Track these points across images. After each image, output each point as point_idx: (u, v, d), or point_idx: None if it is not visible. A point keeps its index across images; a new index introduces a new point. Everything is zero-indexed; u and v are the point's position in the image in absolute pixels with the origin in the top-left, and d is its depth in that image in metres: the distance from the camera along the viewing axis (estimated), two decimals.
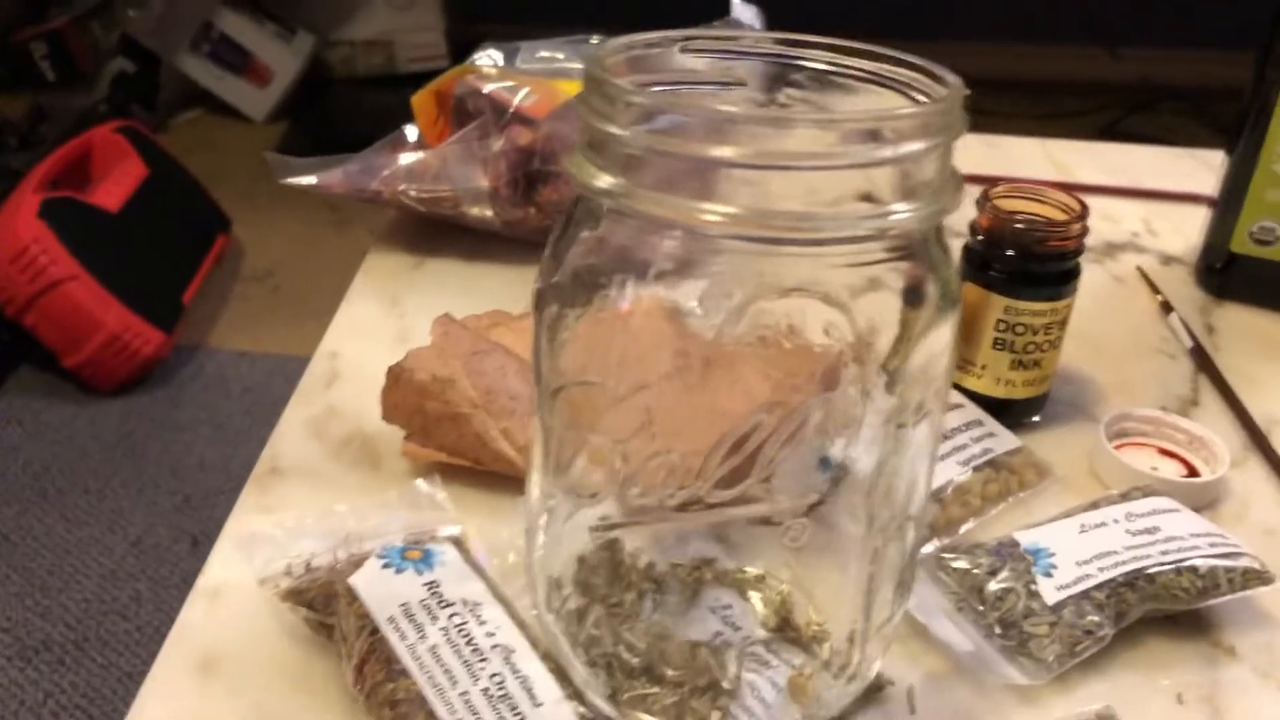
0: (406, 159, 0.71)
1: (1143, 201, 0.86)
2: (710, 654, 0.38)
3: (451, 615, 0.42)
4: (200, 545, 1.45)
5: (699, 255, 0.36)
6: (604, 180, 0.34)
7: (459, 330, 0.56)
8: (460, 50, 2.73)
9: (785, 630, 0.42)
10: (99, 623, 1.33)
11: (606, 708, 0.40)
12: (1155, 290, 0.73)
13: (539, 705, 0.39)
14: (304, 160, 0.72)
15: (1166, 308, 0.71)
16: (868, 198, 0.34)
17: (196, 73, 2.61)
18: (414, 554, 0.45)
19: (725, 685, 0.38)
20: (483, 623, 0.42)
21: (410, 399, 0.54)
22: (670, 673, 0.38)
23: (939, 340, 0.36)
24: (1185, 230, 0.80)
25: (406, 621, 0.42)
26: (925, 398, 0.36)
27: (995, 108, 2.33)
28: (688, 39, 0.39)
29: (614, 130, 0.34)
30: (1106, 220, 0.83)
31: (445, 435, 0.54)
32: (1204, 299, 0.74)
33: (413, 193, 0.71)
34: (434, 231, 0.75)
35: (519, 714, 0.39)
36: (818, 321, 0.36)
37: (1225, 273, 0.73)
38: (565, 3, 2.60)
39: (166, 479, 1.56)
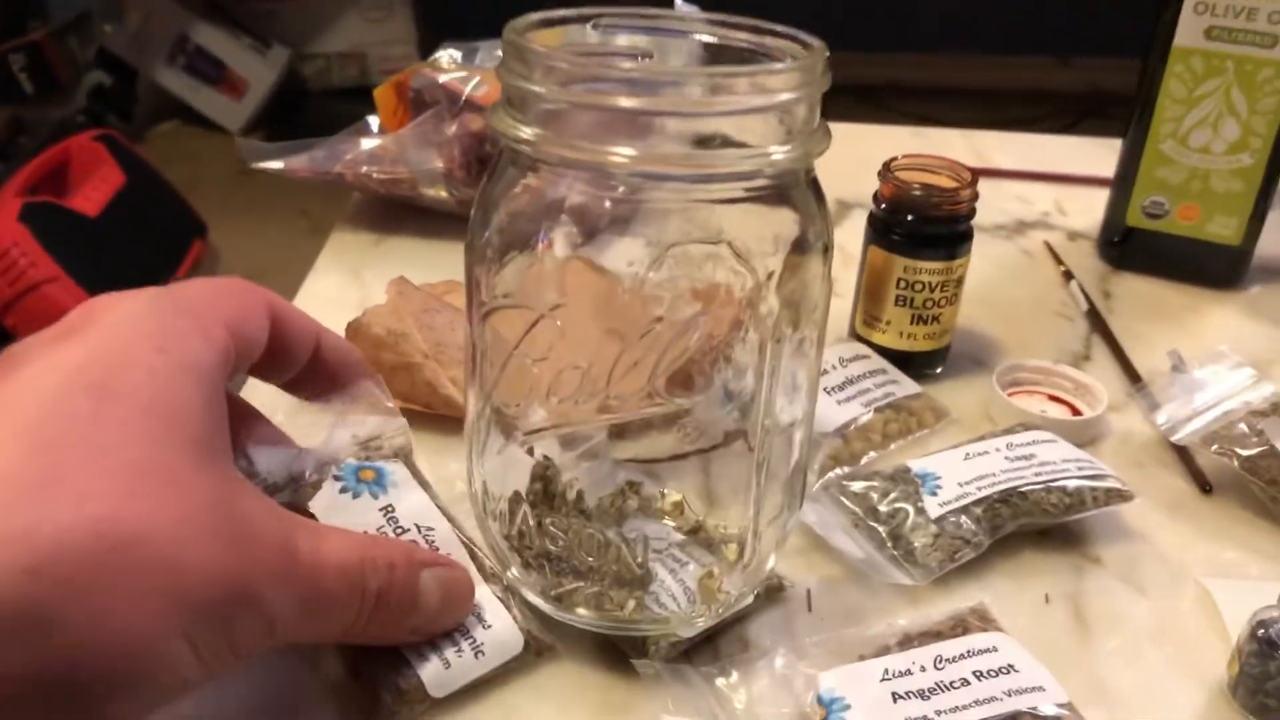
0: (368, 144, 0.77)
1: (1056, 185, 0.93)
2: (621, 541, 0.44)
3: (407, 539, 0.47)
4: None
5: (618, 210, 0.41)
6: (524, 132, 0.40)
7: (412, 290, 0.62)
8: None
9: (698, 534, 0.48)
10: None
11: (544, 604, 0.45)
12: (1059, 261, 0.80)
13: (488, 628, 0.44)
14: (271, 145, 0.78)
15: (1068, 276, 0.78)
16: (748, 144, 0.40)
17: (173, 85, 2.66)
18: (368, 474, 0.50)
19: (637, 571, 0.43)
20: (436, 548, 0.47)
21: (367, 351, 0.59)
22: (588, 560, 0.44)
23: (811, 270, 0.42)
24: (1093, 210, 0.87)
25: None
26: (800, 317, 0.42)
27: (946, 116, 2.40)
28: (597, 16, 0.45)
29: (532, 87, 0.39)
30: (1020, 201, 0.89)
31: (399, 383, 0.60)
32: (1104, 269, 0.80)
33: (374, 175, 0.77)
34: (394, 212, 0.81)
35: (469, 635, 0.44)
36: (725, 278, 0.42)
37: (1123, 245, 0.80)
38: None
39: None
